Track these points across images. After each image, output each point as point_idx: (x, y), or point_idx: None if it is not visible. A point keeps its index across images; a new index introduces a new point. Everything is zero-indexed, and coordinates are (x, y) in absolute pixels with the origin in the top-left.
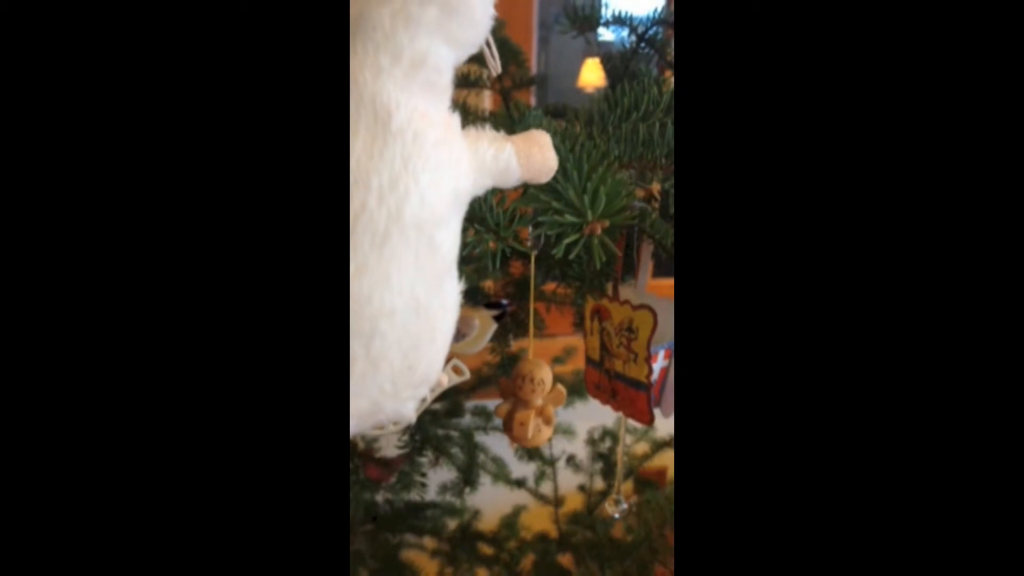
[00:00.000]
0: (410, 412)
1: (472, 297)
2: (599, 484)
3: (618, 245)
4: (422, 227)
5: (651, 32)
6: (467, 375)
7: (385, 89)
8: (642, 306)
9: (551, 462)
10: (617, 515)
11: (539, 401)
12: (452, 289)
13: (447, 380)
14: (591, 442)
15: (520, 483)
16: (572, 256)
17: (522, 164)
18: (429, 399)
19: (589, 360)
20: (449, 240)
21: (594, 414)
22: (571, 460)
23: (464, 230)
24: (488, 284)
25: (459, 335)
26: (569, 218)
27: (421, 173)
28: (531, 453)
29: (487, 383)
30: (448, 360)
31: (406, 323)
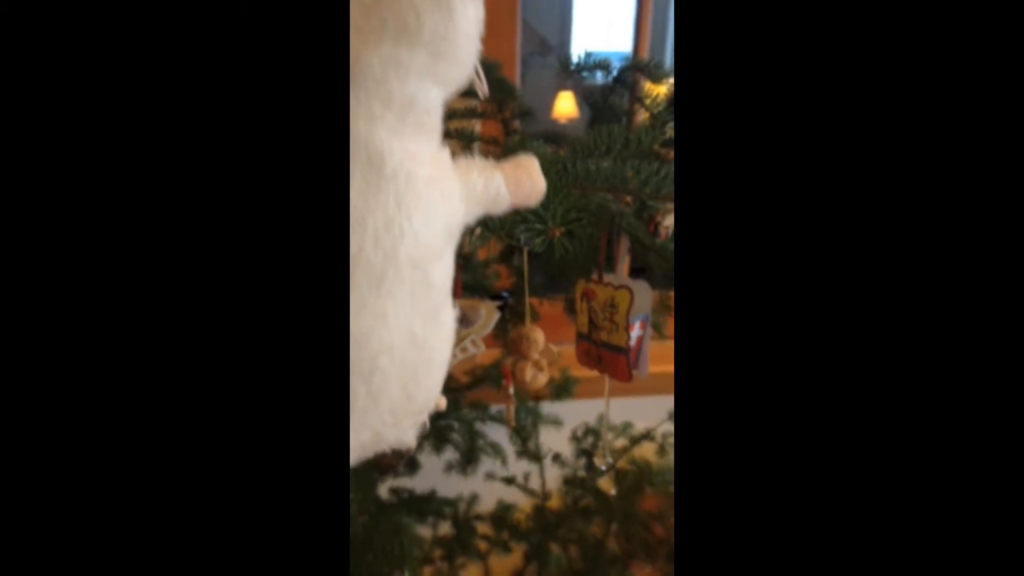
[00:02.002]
0: (411, 439)
1: (481, 292)
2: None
3: (601, 240)
4: (417, 264)
5: (625, 75)
6: (482, 348)
7: (378, 135)
8: (621, 286)
9: (539, 458)
10: (604, 467)
11: (535, 355)
12: (447, 319)
13: (444, 403)
14: (575, 439)
15: (510, 480)
16: (542, 250)
17: (511, 191)
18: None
19: (579, 334)
20: (443, 272)
21: (578, 413)
22: (557, 457)
23: (472, 230)
24: (483, 252)
25: (467, 322)
26: (536, 226)
27: (414, 213)
28: (521, 451)
29: (481, 383)
30: (459, 342)
31: (404, 357)
